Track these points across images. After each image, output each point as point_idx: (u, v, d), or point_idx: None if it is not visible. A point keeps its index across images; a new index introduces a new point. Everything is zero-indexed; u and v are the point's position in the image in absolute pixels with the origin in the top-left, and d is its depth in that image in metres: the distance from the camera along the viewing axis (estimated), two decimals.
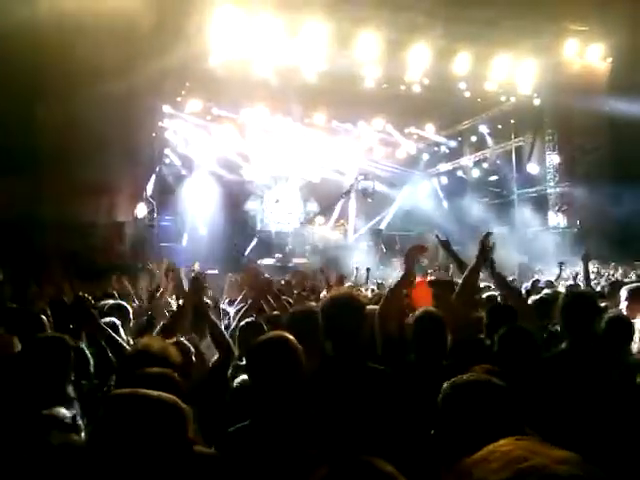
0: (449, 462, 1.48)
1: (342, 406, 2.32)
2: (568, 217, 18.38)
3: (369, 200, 20.72)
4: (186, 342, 3.54)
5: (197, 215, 18.35)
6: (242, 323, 4.05)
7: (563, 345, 3.14)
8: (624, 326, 3.42)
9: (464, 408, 1.71)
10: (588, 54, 17.59)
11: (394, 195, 22.17)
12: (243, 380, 2.96)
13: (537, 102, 18.62)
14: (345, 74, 15.99)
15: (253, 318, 4.30)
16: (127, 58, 12.48)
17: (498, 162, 21.31)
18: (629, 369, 3.05)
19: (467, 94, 17.74)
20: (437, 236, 4.60)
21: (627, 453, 2.32)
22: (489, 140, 21.31)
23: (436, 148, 23.01)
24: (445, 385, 1.81)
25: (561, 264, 8.45)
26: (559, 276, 8.41)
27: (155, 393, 1.58)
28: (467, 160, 22.35)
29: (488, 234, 3.77)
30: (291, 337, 2.37)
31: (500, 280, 3.99)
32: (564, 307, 3.20)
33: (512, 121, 20.06)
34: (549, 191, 19.21)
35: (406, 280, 3.40)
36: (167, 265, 5.89)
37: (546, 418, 2.22)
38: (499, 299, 4.59)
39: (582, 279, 6.42)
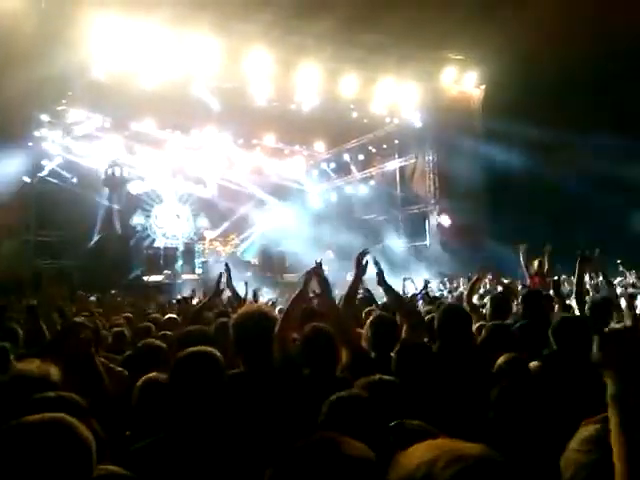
0: None
1: (250, 419, 2.33)
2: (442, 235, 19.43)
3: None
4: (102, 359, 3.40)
5: (81, 230, 17.38)
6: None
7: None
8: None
9: (342, 419, 1.84)
10: (464, 81, 18.94)
11: (279, 210, 22.27)
12: None
13: (419, 124, 19.68)
14: (235, 90, 16.00)
15: None
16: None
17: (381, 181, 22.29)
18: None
19: (354, 114, 18.42)
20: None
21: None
22: (375, 159, 22.20)
23: (325, 165, 23.59)
24: (331, 398, 1.95)
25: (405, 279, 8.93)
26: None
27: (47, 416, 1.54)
28: (354, 178, 23.11)
29: (363, 252, 3.86)
30: (214, 350, 2.37)
31: (392, 296, 4.14)
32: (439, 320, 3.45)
33: (396, 141, 21.04)
34: (429, 209, 20.29)
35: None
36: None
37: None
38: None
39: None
